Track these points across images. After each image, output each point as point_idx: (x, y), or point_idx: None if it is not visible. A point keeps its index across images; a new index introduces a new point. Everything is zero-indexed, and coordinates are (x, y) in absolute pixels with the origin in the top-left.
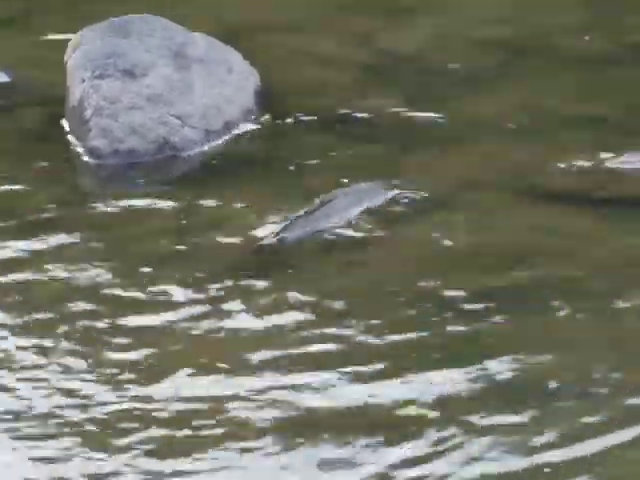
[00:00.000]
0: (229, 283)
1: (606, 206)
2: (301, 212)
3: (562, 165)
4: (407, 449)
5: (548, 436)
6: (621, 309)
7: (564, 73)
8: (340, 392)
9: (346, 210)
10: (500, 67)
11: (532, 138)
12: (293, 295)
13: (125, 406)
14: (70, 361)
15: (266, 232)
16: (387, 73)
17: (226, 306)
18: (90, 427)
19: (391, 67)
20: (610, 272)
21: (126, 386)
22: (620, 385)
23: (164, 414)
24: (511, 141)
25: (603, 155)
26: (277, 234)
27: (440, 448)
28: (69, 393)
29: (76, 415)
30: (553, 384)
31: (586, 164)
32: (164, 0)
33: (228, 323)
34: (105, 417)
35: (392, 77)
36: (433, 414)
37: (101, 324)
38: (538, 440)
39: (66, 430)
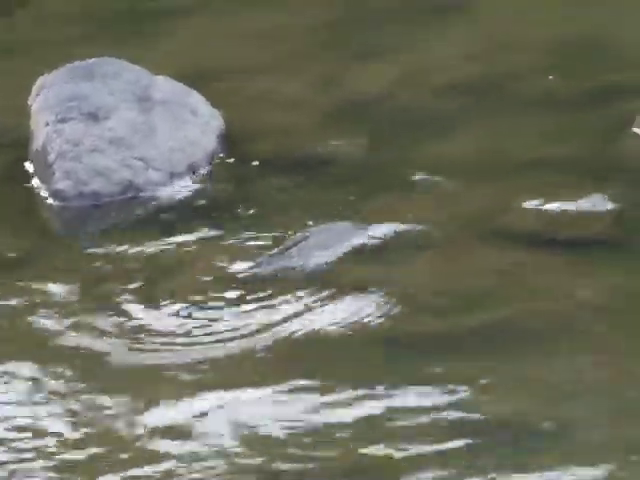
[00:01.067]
0: (194, 324)
1: (568, 248)
2: (274, 250)
3: (526, 207)
4: None
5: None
6: (586, 350)
7: (527, 114)
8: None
9: (317, 249)
10: (463, 108)
11: (496, 180)
12: (263, 334)
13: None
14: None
15: (232, 272)
16: (350, 116)
17: (194, 349)
18: None
19: (354, 110)
20: (573, 314)
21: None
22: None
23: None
24: (475, 183)
25: (566, 197)
26: (251, 269)
27: None
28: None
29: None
30: (521, 426)
31: (549, 206)
32: (127, 43)
33: (198, 362)
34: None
35: (355, 120)
36: (399, 455)
37: (64, 367)
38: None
39: None
